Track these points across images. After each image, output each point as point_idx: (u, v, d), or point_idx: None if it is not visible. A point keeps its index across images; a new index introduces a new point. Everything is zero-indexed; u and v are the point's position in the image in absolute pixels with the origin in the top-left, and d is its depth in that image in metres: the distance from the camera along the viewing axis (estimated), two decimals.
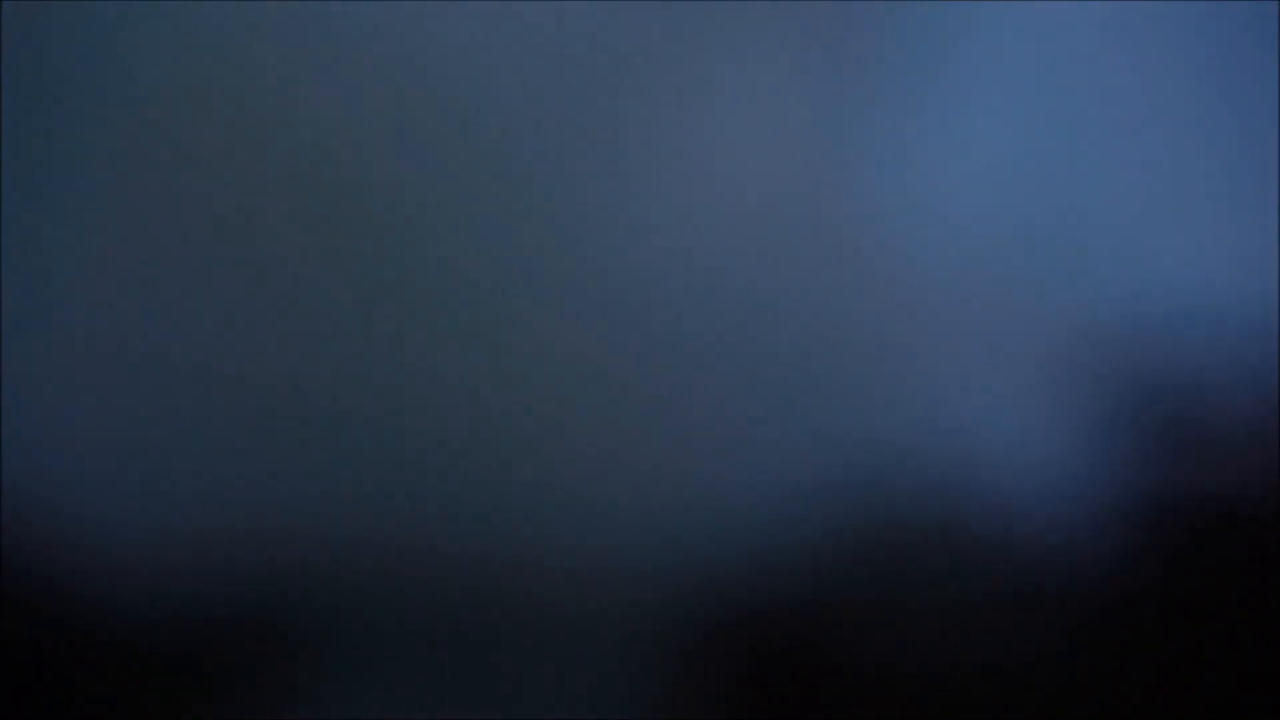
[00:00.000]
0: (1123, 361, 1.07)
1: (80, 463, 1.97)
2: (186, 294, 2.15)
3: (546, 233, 1.98)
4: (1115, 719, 1.08)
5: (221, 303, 2.11)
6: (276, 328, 2.09)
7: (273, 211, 2.01)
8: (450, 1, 1.93)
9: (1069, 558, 1.35)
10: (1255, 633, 0.99)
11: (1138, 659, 1.09)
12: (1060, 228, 1.27)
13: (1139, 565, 1.28)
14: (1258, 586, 0.99)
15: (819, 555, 1.60)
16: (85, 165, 2.13)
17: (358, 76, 2.11)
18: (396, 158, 2.13)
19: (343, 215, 2.10)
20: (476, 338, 2.14)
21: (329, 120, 2.03)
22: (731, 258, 1.93)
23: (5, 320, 1.95)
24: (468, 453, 2.03)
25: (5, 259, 1.97)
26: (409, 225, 2.09)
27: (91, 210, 2.14)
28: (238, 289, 2.11)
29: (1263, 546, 1.00)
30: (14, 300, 1.97)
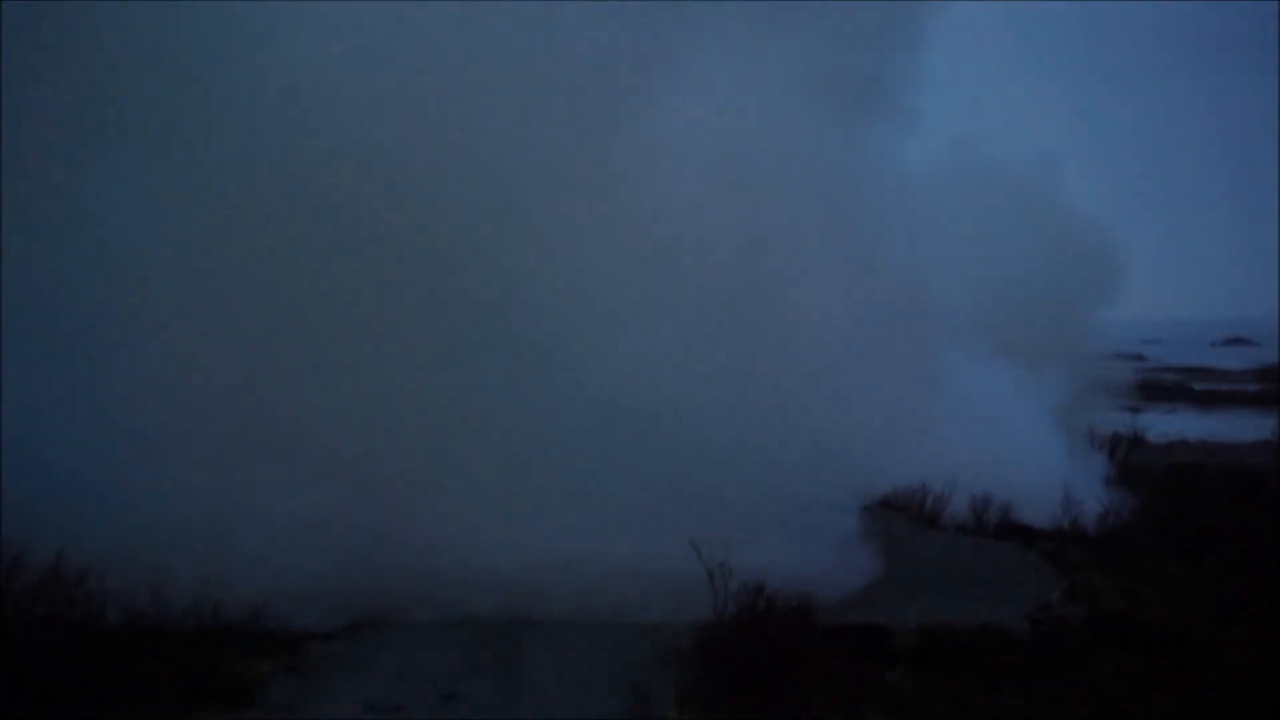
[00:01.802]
0: (1117, 358, 1.10)
1: (82, 474, 2.07)
2: (186, 303, 2.25)
3: (540, 238, 2.06)
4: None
5: (222, 312, 2.21)
6: (279, 334, 2.21)
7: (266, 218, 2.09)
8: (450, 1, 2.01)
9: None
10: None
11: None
12: (1056, 227, 1.31)
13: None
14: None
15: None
16: (85, 171, 2.22)
17: (339, 87, 2.21)
18: (387, 169, 2.24)
19: (338, 225, 2.20)
20: (472, 347, 2.26)
21: (321, 127, 2.11)
22: (723, 263, 2.00)
23: (6, 323, 2.08)
24: (460, 465, 2.12)
25: (5, 260, 2.08)
26: (401, 230, 2.20)
27: (90, 219, 2.23)
28: (236, 297, 2.21)
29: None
30: (14, 304, 2.07)
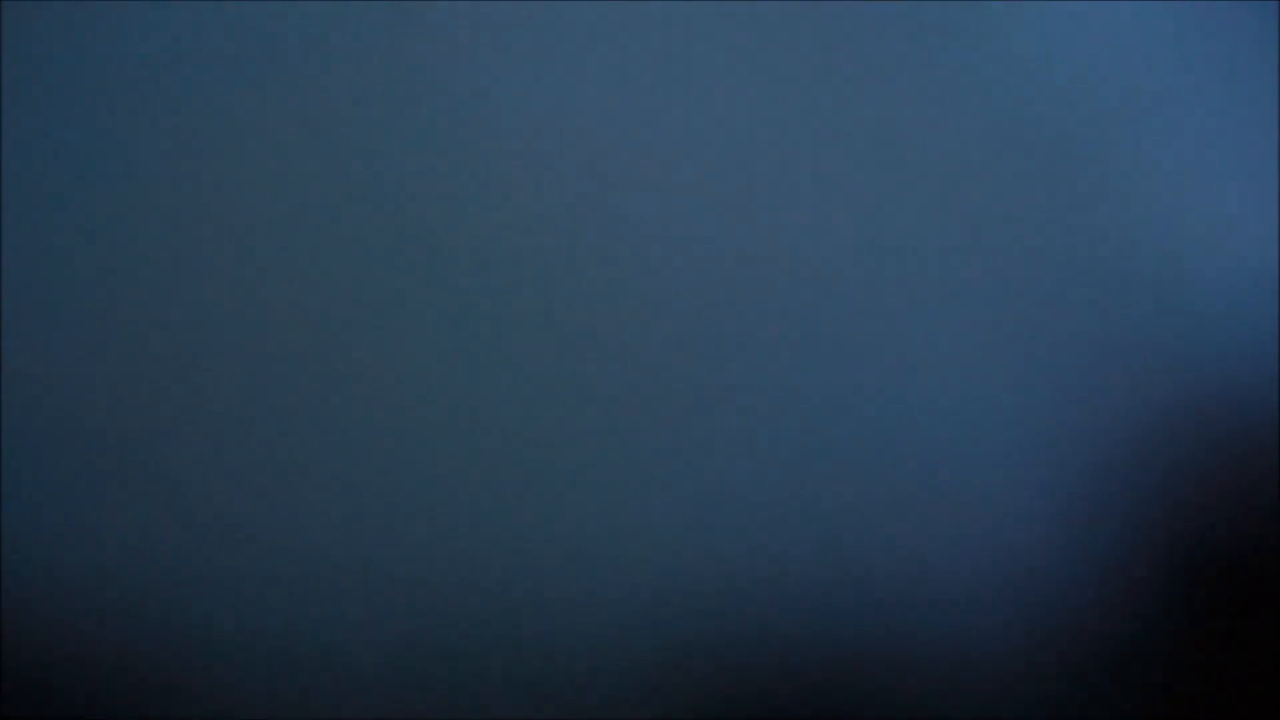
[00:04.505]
0: (1116, 369, 1.07)
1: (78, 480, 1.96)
2: (185, 302, 2.12)
3: (536, 245, 1.95)
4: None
5: (220, 312, 2.08)
6: (276, 336, 2.08)
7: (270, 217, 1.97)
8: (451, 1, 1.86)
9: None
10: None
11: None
12: (1054, 230, 1.29)
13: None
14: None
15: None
16: (85, 170, 2.10)
17: (348, 81, 2.08)
18: (398, 171, 2.10)
19: (344, 222, 2.09)
20: (470, 345, 2.14)
21: (322, 125, 2.01)
22: (718, 264, 1.91)
23: (6, 324, 1.91)
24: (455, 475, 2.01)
25: (6, 260, 1.97)
26: (412, 231, 2.06)
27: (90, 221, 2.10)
28: (233, 297, 2.08)
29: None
30: (14, 303, 1.96)
